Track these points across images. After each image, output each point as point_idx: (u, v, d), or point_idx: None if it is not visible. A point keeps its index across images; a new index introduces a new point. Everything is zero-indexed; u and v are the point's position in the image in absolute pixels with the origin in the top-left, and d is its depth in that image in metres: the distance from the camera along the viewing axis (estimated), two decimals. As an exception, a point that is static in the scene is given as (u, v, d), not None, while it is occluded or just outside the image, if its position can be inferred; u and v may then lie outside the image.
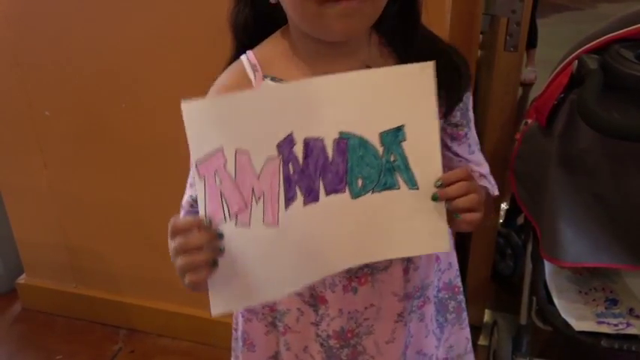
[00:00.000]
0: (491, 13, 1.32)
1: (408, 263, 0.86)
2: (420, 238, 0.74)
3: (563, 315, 1.24)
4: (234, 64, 0.83)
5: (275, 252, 0.71)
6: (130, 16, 1.36)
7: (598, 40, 1.11)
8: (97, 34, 1.40)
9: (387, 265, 0.85)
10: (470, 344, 1.02)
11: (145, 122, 1.47)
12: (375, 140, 0.71)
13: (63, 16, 1.41)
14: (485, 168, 0.90)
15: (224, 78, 0.84)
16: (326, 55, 0.78)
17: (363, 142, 0.71)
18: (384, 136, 0.70)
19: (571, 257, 1.16)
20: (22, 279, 1.85)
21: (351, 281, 0.85)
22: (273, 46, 0.82)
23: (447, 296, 0.96)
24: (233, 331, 1.02)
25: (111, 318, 1.78)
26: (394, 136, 0.70)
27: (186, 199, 0.94)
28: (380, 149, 0.71)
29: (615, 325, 1.23)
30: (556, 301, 1.27)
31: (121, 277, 1.72)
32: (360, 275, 0.84)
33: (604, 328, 1.22)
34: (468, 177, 0.73)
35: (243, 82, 0.80)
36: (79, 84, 1.47)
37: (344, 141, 0.70)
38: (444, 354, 0.99)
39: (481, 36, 1.41)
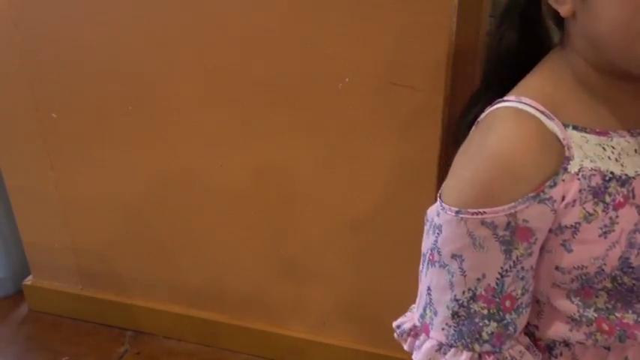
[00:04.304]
0: (497, 15, 1.31)
1: None
2: None
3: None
4: (507, 112, 0.61)
5: None
6: (137, 19, 1.36)
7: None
8: (104, 37, 1.40)
9: None
10: None
11: (151, 125, 1.47)
12: None
13: (70, 20, 1.41)
14: None
15: (507, 136, 0.59)
16: (624, 93, 0.62)
17: None
18: None
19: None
20: (28, 280, 1.85)
21: None
22: (549, 82, 0.63)
23: None
24: None
25: (117, 320, 1.78)
26: None
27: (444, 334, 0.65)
28: None
29: None
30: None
31: (128, 279, 1.72)
32: None
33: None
34: None
35: (543, 136, 0.59)
36: (85, 86, 1.48)
37: None
38: None
39: (487, 38, 1.41)
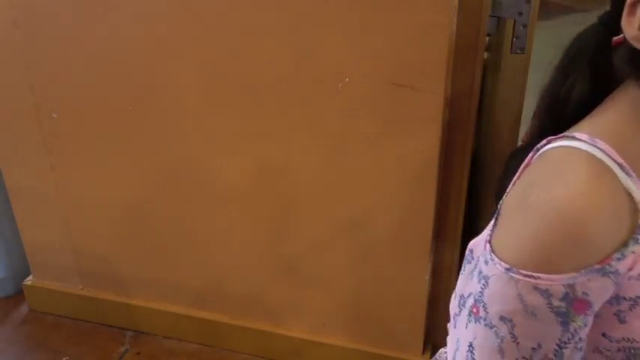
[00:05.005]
0: (497, 15, 1.31)
1: None
2: None
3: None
4: (579, 157, 0.52)
5: None
6: (137, 19, 1.36)
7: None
8: (104, 37, 1.40)
9: None
10: None
11: (151, 125, 1.47)
12: None
13: (70, 20, 1.41)
14: None
15: (580, 193, 0.49)
16: None
17: None
18: None
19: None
20: (28, 280, 1.85)
21: None
22: (629, 124, 0.53)
23: None
24: None
25: (117, 320, 1.78)
26: None
27: None
28: None
29: None
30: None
31: (128, 279, 1.72)
32: None
33: None
34: None
35: (619, 197, 0.50)
36: (86, 86, 1.48)
37: None
38: None
39: (487, 38, 1.41)
